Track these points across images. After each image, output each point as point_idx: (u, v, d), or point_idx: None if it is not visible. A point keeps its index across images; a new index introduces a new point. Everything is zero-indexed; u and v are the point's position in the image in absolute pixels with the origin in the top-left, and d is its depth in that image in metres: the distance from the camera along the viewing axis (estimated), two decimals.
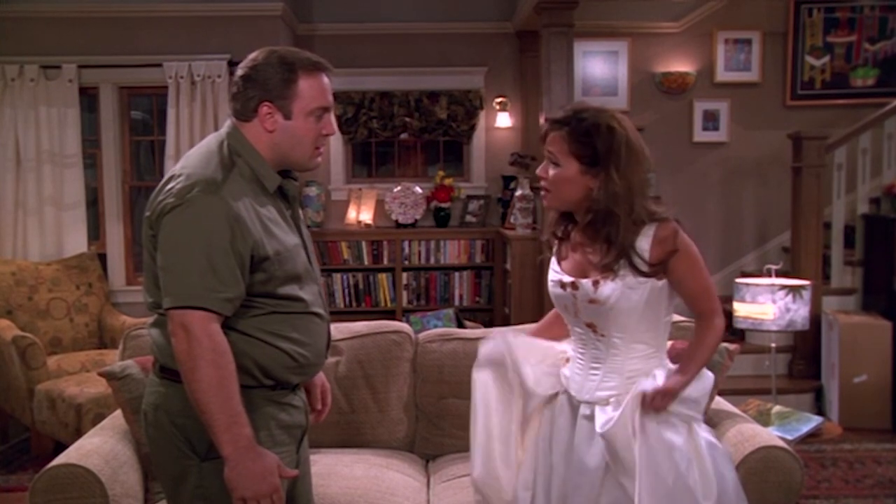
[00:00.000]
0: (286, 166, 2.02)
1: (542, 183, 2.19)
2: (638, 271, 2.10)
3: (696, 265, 2.16)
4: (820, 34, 6.72)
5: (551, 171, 2.16)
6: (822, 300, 5.50)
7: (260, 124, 1.95)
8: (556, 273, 2.26)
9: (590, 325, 2.20)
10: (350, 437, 3.19)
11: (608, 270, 2.12)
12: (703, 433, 2.20)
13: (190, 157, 1.97)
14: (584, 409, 2.21)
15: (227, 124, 2.02)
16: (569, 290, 2.19)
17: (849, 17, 6.69)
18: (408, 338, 3.26)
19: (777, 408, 3.64)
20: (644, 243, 2.12)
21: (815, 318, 5.21)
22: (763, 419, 3.49)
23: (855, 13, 6.68)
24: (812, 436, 3.59)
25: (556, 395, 2.30)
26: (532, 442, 2.31)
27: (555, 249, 2.31)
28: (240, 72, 1.98)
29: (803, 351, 5.55)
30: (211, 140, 2.00)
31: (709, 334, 2.20)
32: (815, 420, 3.51)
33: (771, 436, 2.76)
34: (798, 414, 3.59)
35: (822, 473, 4.32)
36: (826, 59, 6.75)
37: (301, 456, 2.14)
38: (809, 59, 6.74)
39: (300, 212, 2.12)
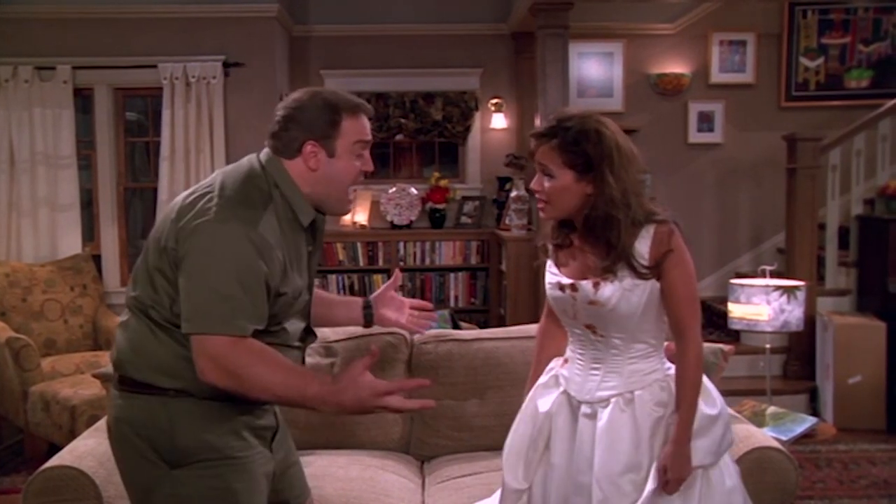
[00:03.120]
0: (321, 207, 2.06)
1: (538, 196, 2.19)
2: (637, 273, 2.10)
3: (686, 271, 2.15)
4: (814, 36, 6.74)
5: (546, 184, 2.15)
6: (817, 301, 5.51)
7: (304, 163, 1.99)
8: (553, 275, 2.26)
9: (589, 327, 2.19)
10: (345, 438, 3.18)
11: (608, 272, 2.12)
12: (716, 479, 2.19)
13: (228, 177, 1.97)
14: (584, 409, 2.21)
15: (264, 153, 2.03)
16: (568, 291, 2.19)
17: (843, 18, 6.71)
18: (403, 339, 3.25)
19: (772, 409, 3.64)
20: (643, 245, 2.11)
21: (810, 319, 5.22)
22: (758, 420, 3.49)
23: (849, 15, 6.70)
24: (806, 436, 3.59)
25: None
26: (529, 439, 2.31)
27: (551, 255, 2.30)
28: (281, 112, 2.02)
29: (798, 352, 5.55)
30: (251, 165, 2.01)
31: (688, 375, 2.14)
32: (810, 421, 3.51)
33: (765, 437, 2.76)
34: (792, 415, 3.59)
35: (817, 474, 4.33)
36: (820, 60, 6.76)
37: (280, 454, 2.16)
38: (804, 61, 6.76)
39: (320, 251, 2.17)
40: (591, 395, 2.20)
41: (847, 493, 4.08)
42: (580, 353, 2.26)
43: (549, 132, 2.14)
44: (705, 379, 2.22)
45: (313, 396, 1.86)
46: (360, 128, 2.02)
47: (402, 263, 6.64)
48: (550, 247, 2.30)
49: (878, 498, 4.03)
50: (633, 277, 2.11)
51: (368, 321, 2.42)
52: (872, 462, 4.51)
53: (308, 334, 2.18)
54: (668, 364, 2.24)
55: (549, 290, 2.27)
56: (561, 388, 2.28)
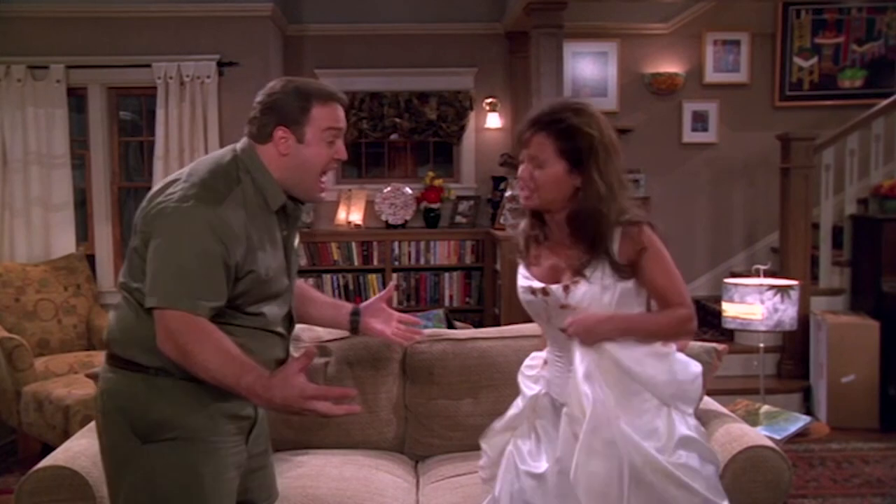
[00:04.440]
0: (293, 193, 2.10)
1: (523, 184, 2.17)
2: (615, 270, 2.10)
3: (663, 261, 2.15)
4: (808, 35, 6.75)
5: (536, 173, 2.14)
6: (811, 300, 5.52)
7: (275, 148, 2.06)
8: (525, 279, 2.24)
9: (563, 330, 2.18)
10: (339, 438, 3.18)
11: (579, 274, 2.12)
12: (681, 425, 2.18)
13: (199, 164, 2.08)
14: (567, 409, 2.20)
15: (242, 140, 2.12)
16: (539, 296, 2.19)
17: (836, 18, 6.73)
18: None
19: (765, 408, 3.65)
20: (613, 246, 2.12)
21: (804, 319, 5.23)
22: (751, 419, 3.50)
23: (842, 15, 6.72)
24: (800, 435, 3.60)
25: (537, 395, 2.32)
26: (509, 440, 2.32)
27: (522, 254, 2.29)
28: (258, 98, 2.10)
29: (792, 351, 5.57)
30: (223, 152, 2.11)
31: (667, 313, 2.15)
32: (803, 420, 3.52)
33: (759, 435, 2.76)
34: (786, 414, 3.60)
35: (811, 473, 4.34)
36: (814, 60, 6.78)
37: (256, 449, 2.18)
38: (798, 61, 6.78)
39: (296, 235, 2.21)
40: (568, 398, 2.19)
41: (840, 492, 4.09)
42: (558, 356, 2.25)
43: (544, 121, 2.12)
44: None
45: (246, 386, 1.90)
46: (331, 116, 2.08)
47: (396, 263, 6.64)
48: (521, 242, 2.28)
49: (871, 496, 4.04)
50: (605, 278, 2.11)
51: (354, 328, 2.47)
52: (866, 461, 4.53)
53: (292, 324, 2.22)
54: None
55: (522, 295, 2.25)
56: (543, 390, 2.29)
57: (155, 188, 2.07)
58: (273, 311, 2.10)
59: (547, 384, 2.27)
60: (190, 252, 1.91)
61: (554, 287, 2.15)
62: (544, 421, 2.26)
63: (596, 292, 2.11)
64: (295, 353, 3.19)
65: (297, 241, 2.24)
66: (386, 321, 2.50)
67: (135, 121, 6.58)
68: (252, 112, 2.11)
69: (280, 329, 2.14)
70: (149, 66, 5.91)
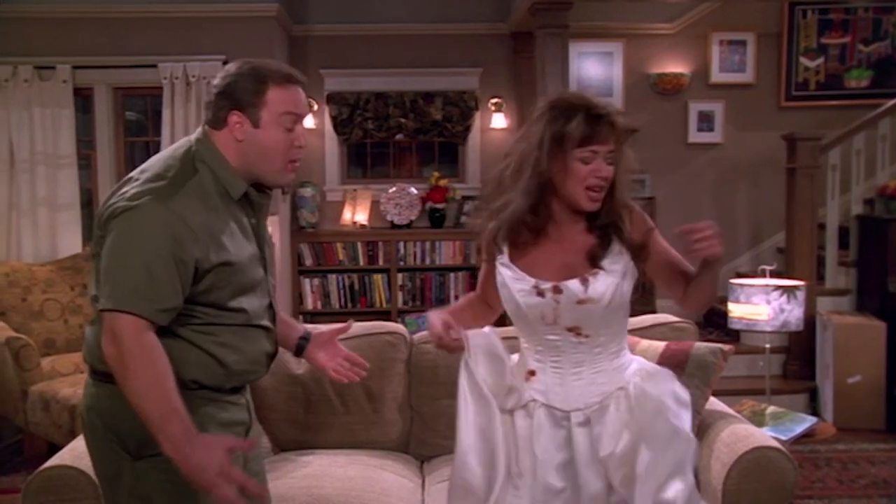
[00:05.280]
0: (256, 179, 2.02)
1: (604, 183, 2.04)
2: (636, 256, 2.09)
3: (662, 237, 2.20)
4: (814, 35, 6.74)
5: (610, 171, 2.05)
6: (817, 301, 5.51)
7: (230, 133, 1.97)
8: (525, 280, 2.09)
9: (572, 329, 2.08)
10: (344, 437, 3.19)
11: (596, 265, 2.06)
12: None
13: (154, 159, 2.00)
14: (576, 417, 2.10)
15: (198, 130, 2.03)
16: (549, 295, 2.05)
17: (843, 18, 6.71)
18: (402, 339, 3.26)
19: (771, 408, 3.65)
20: (625, 229, 2.11)
21: (810, 319, 5.22)
22: (757, 420, 3.50)
23: (849, 14, 6.71)
24: (806, 436, 3.60)
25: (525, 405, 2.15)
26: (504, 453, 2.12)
27: (505, 254, 2.12)
28: (214, 81, 2.01)
29: (798, 352, 5.55)
30: (179, 144, 2.03)
31: None
32: (809, 420, 3.52)
33: (765, 436, 2.76)
34: (792, 414, 3.60)
35: (816, 473, 4.33)
36: (820, 60, 6.77)
37: (251, 454, 2.13)
38: (804, 61, 6.76)
39: (265, 223, 2.12)
40: (586, 401, 2.10)
41: (846, 493, 4.08)
42: (555, 361, 2.11)
43: (616, 117, 2.05)
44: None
45: (170, 432, 1.78)
46: (288, 99, 1.98)
47: (401, 263, 6.64)
48: (505, 245, 2.12)
49: (878, 497, 4.03)
50: (621, 265, 2.07)
51: (299, 353, 2.35)
52: (871, 461, 4.51)
53: (275, 317, 2.15)
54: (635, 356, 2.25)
55: (523, 298, 2.08)
56: (535, 403, 2.12)
57: (112, 190, 1.99)
58: (254, 304, 2.02)
59: (543, 395, 2.11)
60: (140, 252, 1.83)
61: (570, 283, 2.04)
62: (542, 437, 2.10)
63: (615, 281, 2.06)
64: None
65: (270, 231, 2.17)
66: (331, 356, 2.34)
67: (140, 121, 6.59)
68: (207, 97, 2.02)
69: (264, 322, 2.07)
70: (155, 66, 5.91)
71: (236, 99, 1.95)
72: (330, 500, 2.69)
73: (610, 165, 2.04)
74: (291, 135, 1.99)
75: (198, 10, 5.97)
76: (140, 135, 6.55)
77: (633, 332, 2.87)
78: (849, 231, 5.82)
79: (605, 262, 2.07)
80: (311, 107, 6.67)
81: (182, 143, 2.03)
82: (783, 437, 3.34)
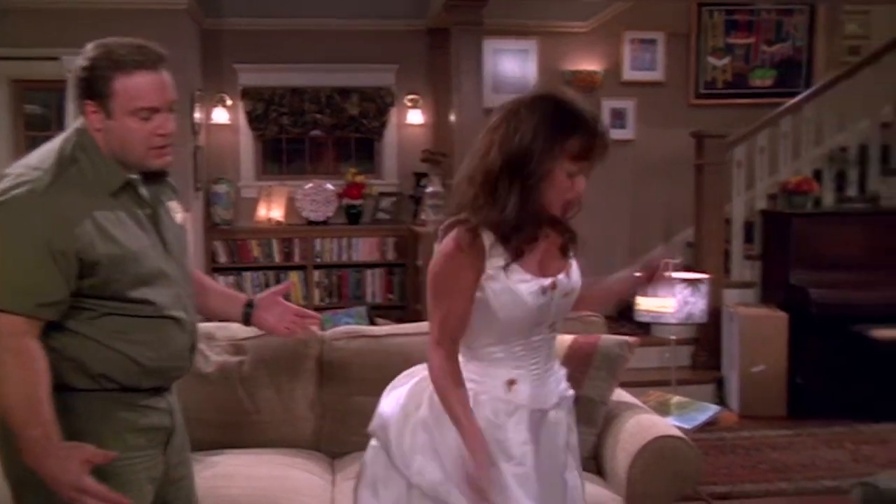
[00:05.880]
0: (129, 165, 1.94)
1: (580, 198, 1.96)
2: (573, 242, 2.09)
3: None
4: (721, 35, 6.94)
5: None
6: (724, 293, 5.67)
7: (91, 123, 1.89)
8: (528, 282, 1.96)
9: (552, 325, 2.05)
10: (254, 437, 3.14)
11: (565, 255, 2.06)
12: None
13: (30, 154, 1.92)
14: (553, 414, 2.06)
15: (80, 119, 1.94)
16: (549, 293, 1.99)
17: (748, 19, 6.94)
18: (312, 336, 3.23)
19: (676, 398, 3.75)
20: None
21: (716, 311, 5.38)
22: (663, 409, 3.59)
23: (753, 16, 6.93)
24: (712, 424, 3.71)
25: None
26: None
27: (512, 262, 1.96)
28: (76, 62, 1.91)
29: (705, 343, 5.71)
30: (62, 135, 1.95)
31: None
32: (712, 409, 3.63)
33: (668, 426, 2.84)
34: (696, 404, 3.71)
35: (722, 460, 4.46)
36: (727, 59, 6.97)
37: (176, 459, 2.08)
38: (711, 60, 6.96)
39: (162, 210, 2.03)
40: (559, 394, 2.09)
41: (749, 478, 4.22)
42: (534, 362, 2.04)
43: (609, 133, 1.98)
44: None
45: (29, 438, 1.74)
46: (140, 89, 1.85)
47: (318, 260, 6.60)
48: (512, 251, 1.96)
49: (778, 481, 4.18)
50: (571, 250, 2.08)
51: (246, 320, 2.31)
52: (774, 447, 4.68)
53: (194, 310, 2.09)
54: None
55: (533, 300, 1.96)
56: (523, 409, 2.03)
57: None
58: (161, 294, 1.94)
59: (529, 400, 2.02)
60: (14, 246, 1.77)
61: (560, 277, 2.01)
62: (523, 443, 2.02)
63: (578, 268, 2.08)
64: (209, 350, 3.17)
65: (179, 217, 2.08)
66: (281, 315, 2.32)
67: (46, 115, 6.37)
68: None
69: (176, 314, 1.97)
70: (58, 58, 5.72)
71: (87, 88, 1.86)
72: (237, 500, 2.65)
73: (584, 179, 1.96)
74: (149, 124, 1.89)
75: (104, 1, 5.80)
76: (43, 129, 6.32)
77: None
78: (754, 226, 6.01)
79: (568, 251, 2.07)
80: (226, 100, 6.56)
81: (62, 135, 1.95)
82: (687, 426, 3.44)
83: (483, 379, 2.02)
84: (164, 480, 2.05)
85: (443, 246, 1.98)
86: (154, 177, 2.01)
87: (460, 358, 2.02)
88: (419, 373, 2.13)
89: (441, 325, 1.97)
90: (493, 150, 1.92)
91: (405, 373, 2.22)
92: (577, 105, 1.92)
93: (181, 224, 2.11)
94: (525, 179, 1.89)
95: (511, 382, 2.01)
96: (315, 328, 2.35)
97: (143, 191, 1.97)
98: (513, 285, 1.94)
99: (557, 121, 1.89)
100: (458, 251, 1.93)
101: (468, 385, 1.99)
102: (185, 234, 2.15)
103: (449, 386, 1.95)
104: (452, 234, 1.95)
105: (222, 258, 6.52)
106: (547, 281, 1.98)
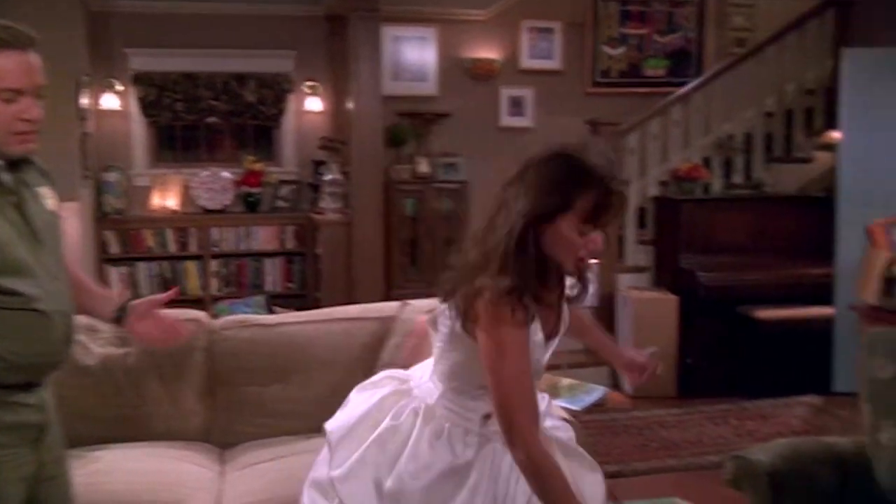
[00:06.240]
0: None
1: (593, 256, 1.91)
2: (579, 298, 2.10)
3: None
4: (616, 26, 7.09)
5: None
6: (619, 278, 5.83)
7: None
8: (541, 335, 1.93)
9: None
10: (142, 430, 3.07)
11: (560, 303, 2.05)
12: None
13: None
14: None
15: None
16: (550, 342, 1.99)
17: (640, 10, 7.10)
18: (201, 325, 3.18)
19: (566, 381, 3.82)
20: None
21: (609, 296, 5.52)
22: (553, 392, 3.65)
23: (646, 7, 7.10)
24: (601, 405, 3.80)
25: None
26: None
27: (529, 318, 1.86)
28: None
29: (600, 326, 5.84)
30: None
31: None
32: (600, 390, 3.71)
33: (555, 407, 2.89)
34: (586, 385, 3.78)
35: (614, 441, 4.60)
36: (622, 49, 7.13)
37: (49, 456, 2.02)
38: (606, 49, 7.10)
39: (30, 196, 1.95)
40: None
41: (640, 457, 4.36)
42: None
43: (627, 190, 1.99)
44: None
45: None
46: (1, 70, 1.80)
47: (215, 249, 6.47)
48: (532, 308, 1.87)
49: (667, 458, 4.34)
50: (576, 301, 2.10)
51: (117, 323, 2.22)
52: (663, 426, 4.84)
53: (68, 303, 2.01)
54: None
55: (540, 353, 1.93)
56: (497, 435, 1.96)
57: None
58: (27, 286, 1.86)
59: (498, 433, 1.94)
60: None
61: (559, 325, 2.03)
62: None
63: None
64: (91, 342, 3.07)
65: (50, 203, 2.00)
66: (156, 325, 2.23)
67: None
68: None
69: (45, 306, 1.88)
70: None
71: None
72: (118, 496, 2.59)
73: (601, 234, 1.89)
74: (12, 106, 1.82)
75: None
76: None
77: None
78: (647, 211, 6.19)
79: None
80: (115, 85, 6.36)
81: None
82: (576, 408, 3.51)
83: (459, 409, 1.97)
84: (37, 478, 1.98)
85: (508, 322, 1.81)
86: (20, 162, 1.93)
87: (438, 385, 1.99)
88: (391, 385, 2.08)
89: (525, 396, 1.83)
90: (504, 210, 1.91)
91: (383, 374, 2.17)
92: (588, 162, 1.85)
93: (53, 210, 2.03)
94: (537, 237, 1.85)
95: (487, 416, 1.96)
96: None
97: (6, 177, 1.89)
98: (532, 343, 1.87)
99: (572, 174, 1.85)
100: (524, 326, 1.84)
101: (442, 412, 1.96)
102: (59, 221, 2.06)
103: (553, 472, 1.81)
104: (507, 309, 1.81)
105: (114, 248, 6.32)
106: (549, 330, 1.96)
